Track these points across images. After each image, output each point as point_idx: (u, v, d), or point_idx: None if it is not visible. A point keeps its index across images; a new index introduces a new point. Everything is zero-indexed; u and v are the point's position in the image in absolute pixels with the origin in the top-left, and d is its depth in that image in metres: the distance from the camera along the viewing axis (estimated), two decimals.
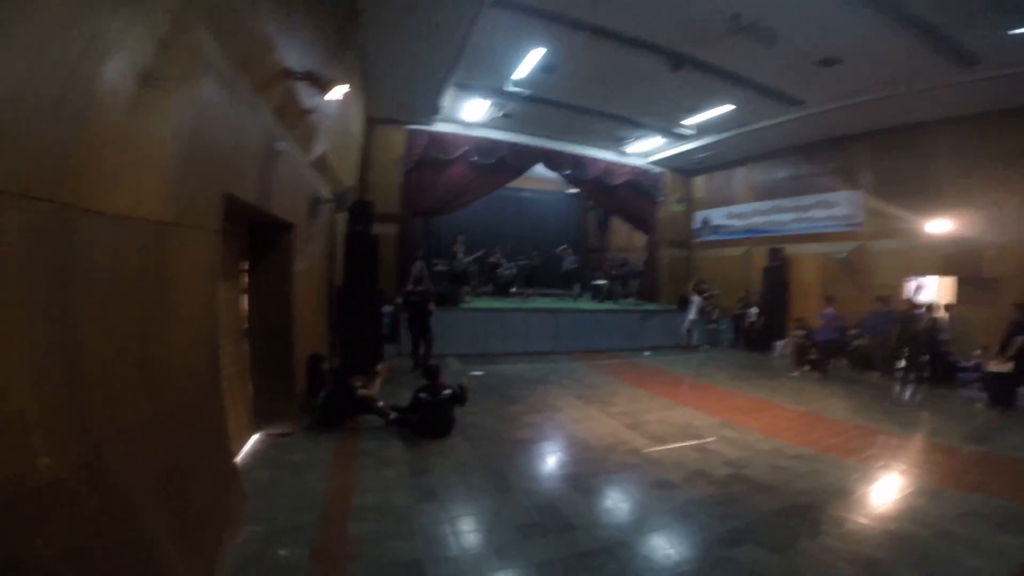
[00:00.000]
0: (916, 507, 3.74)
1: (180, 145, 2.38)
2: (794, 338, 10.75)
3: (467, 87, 9.76)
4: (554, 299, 13.05)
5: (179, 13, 2.18)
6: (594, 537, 3.24)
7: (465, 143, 11.81)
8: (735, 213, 14.03)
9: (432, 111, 10.53)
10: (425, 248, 12.93)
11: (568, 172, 13.42)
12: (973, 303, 8.98)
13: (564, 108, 10.61)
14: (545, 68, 8.48)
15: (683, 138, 12.19)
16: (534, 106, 10.41)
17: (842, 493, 4.00)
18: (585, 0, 6.56)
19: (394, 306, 9.76)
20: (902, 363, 8.77)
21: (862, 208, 10.83)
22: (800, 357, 10.12)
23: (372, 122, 10.87)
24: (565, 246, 14.40)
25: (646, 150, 13.72)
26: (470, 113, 11.22)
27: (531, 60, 8.20)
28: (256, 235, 4.81)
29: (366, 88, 8.88)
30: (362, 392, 5.51)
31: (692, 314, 11.92)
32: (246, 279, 4.81)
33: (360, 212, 7.78)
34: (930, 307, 8.76)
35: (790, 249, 12.26)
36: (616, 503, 3.86)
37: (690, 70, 8.17)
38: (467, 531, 3.30)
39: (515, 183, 13.93)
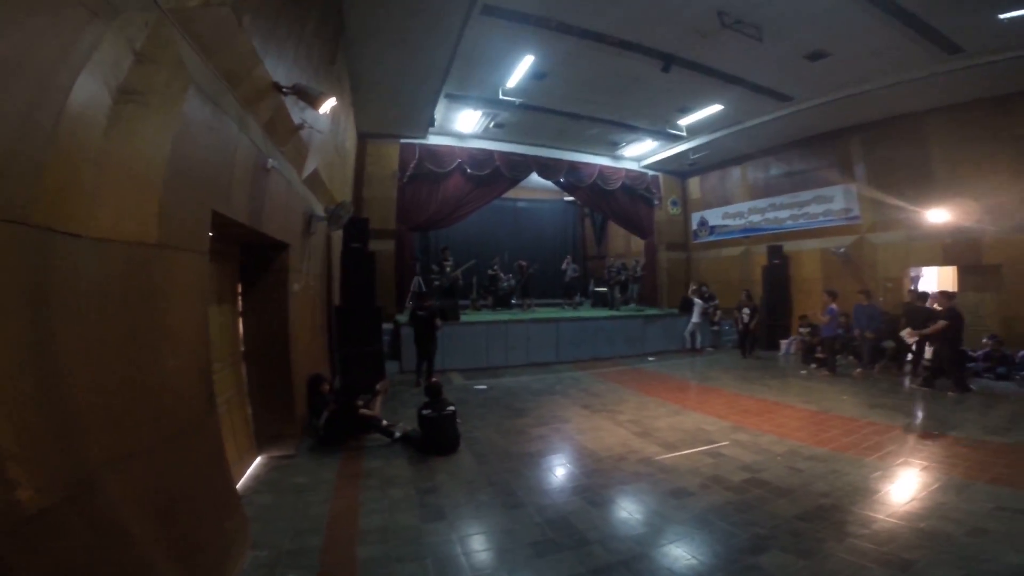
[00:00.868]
0: (944, 503, 3.60)
1: (164, 163, 2.29)
2: (799, 336, 10.65)
3: (459, 98, 9.77)
4: (555, 309, 12.93)
5: (156, 27, 2.11)
6: (611, 551, 3.10)
7: (459, 155, 11.80)
8: (732, 213, 14.00)
9: (424, 124, 10.51)
10: (423, 263, 12.85)
11: (563, 180, 13.39)
12: (975, 291, 8.92)
13: (556, 115, 10.62)
14: (536, 75, 8.49)
15: (676, 139, 12.19)
16: (526, 114, 10.43)
17: (865, 492, 3.87)
18: (572, 4, 6.56)
19: (393, 323, 9.66)
20: (909, 356, 8.67)
21: (859, 201, 10.79)
22: (807, 355, 10.01)
23: (364, 137, 10.86)
24: (569, 257, 14.31)
25: (640, 154, 13.75)
26: (463, 124, 11.23)
27: (521, 68, 8.20)
28: (250, 256, 4.73)
29: (356, 103, 8.86)
30: (364, 411, 5.40)
31: (695, 317, 11.81)
32: (241, 301, 4.72)
33: (356, 229, 7.70)
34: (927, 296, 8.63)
35: (789, 246, 12.20)
36: (631, 514, 3.71)
37: (679, 70, 8.18)
38: (478, 551, 3.16)
39: (511, 193, 13.94)
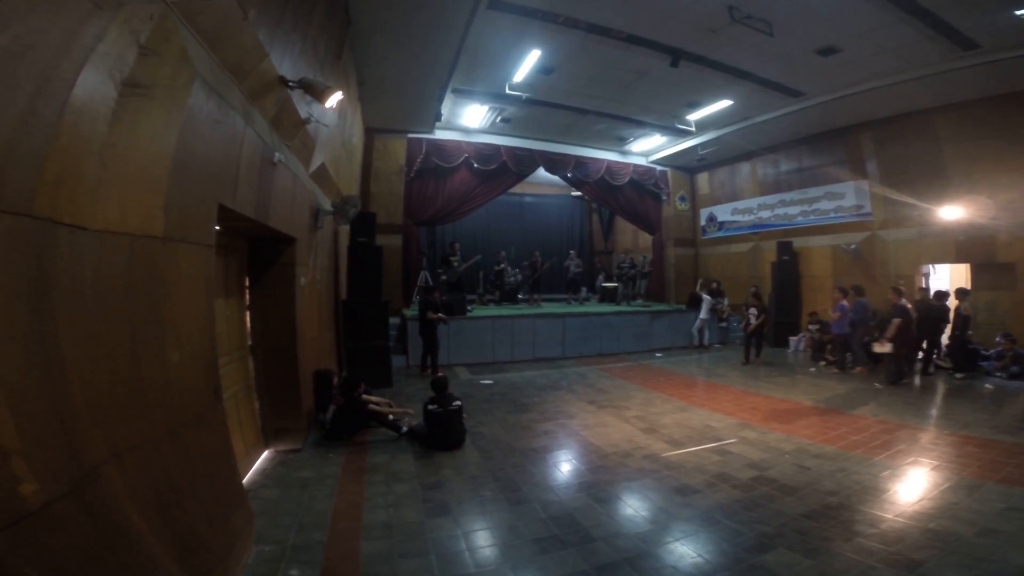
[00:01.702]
0: (954, 503, 3.56)
1: (170, 156, 2.28)
2: (809, 333, 10.55)
3: (465, 93, 9.73)
4: (561, 304, 12.90)
5: (160, 19, 2.10)
6: (616, 548, 3.09)
7: (466, 150, 11.79)
8: (741, 208, 13.88)
9: (431, 119, 10.49)
10: (430, 257, 12.86)
11: (570, 175, 13.34)
12: (989, 289, 8.79)
13: (563, 109, 10.55)
14: (543, 70, 8.44)
15: (685, 135, 12.08)
16: (533, 109, 10.37)
17: (873, 491, 3.83)
18: None
19: (400, 317, 9.68)
20: (920, 354, 8.57)
21: (870, 197, 10.64)
22: (816, 352, 9.92)
23: (371, 132, 10.85)
24: (573, 252, 14.26)
25: (648, 149, 13.65)
26: (470, 119, 11.20)
27: (528, 62, 8.15)
28: (257, 250, 4.74)
29: (363, 97, 8.84)
30: (372, 406, 5.40)
31: (703, 313, 11.73)
32: (248, 295, 4.73)
33: (363, 223, 7.70)
34: (946, 294, 8.55)
35: (799, 242, 12.09)
36: (637, 511, 3.69)
37: (688, 65, 8.09)
38: (482, 546, 3.15)
39: (518, 188, 13.90)
